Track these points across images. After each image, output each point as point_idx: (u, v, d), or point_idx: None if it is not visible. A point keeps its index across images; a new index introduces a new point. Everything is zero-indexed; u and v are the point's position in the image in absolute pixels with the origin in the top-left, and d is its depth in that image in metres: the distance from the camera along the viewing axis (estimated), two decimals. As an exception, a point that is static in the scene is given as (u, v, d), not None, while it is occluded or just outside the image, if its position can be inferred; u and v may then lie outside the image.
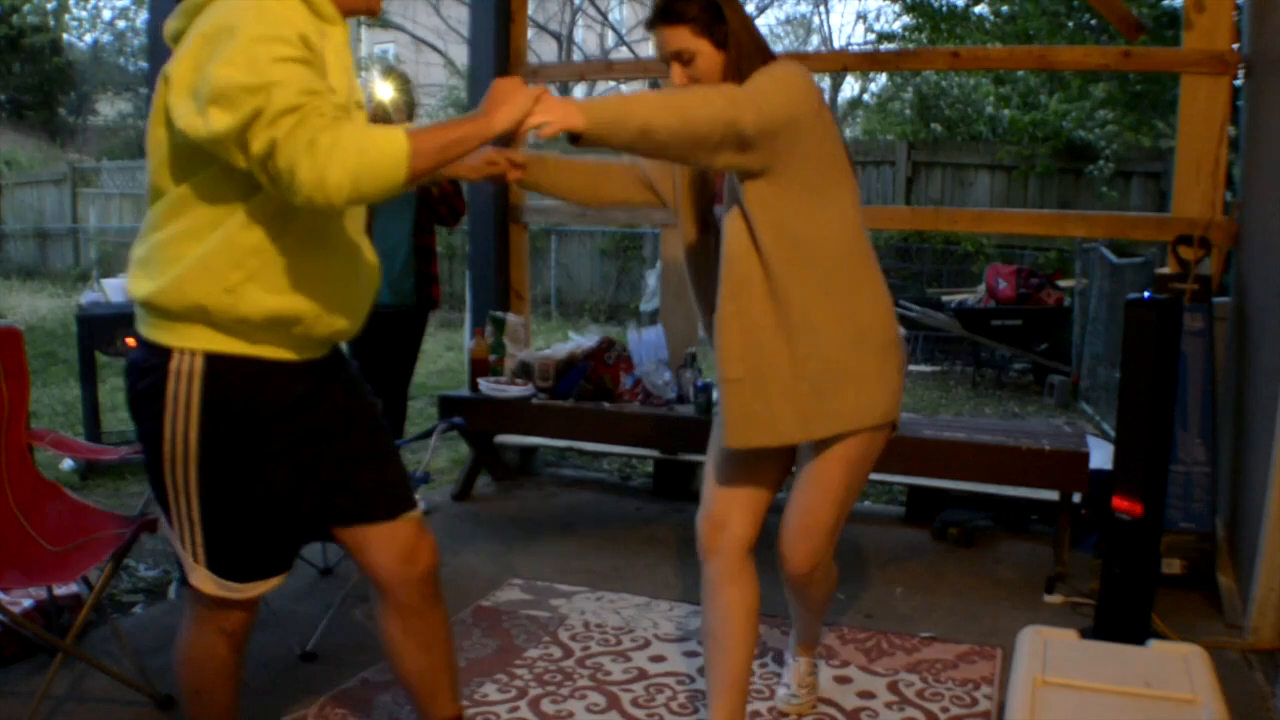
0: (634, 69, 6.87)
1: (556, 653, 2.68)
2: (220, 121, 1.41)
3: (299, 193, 1.39)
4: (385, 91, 3.65)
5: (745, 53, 1.85)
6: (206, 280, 1.54)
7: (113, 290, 4.86)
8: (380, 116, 3.62)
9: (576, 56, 17.61)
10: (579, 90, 17.66)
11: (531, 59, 5.29)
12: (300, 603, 2.98)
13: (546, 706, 2.38)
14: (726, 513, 2.03)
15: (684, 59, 1.86)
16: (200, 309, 1.55)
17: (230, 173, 1.50)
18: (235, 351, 1.59)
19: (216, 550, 1.66)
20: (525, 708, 2.37)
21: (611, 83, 18.43)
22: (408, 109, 3.70)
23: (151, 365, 1.59)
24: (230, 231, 1.54)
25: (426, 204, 3.77)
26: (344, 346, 1.88)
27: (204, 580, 1.68)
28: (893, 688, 2.48)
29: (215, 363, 1.58)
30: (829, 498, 1.95)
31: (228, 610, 1.73)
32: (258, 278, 1.56)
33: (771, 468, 2.04)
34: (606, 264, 10.99)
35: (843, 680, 2.52)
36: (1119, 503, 2.58)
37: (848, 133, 17.72)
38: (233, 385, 1.59)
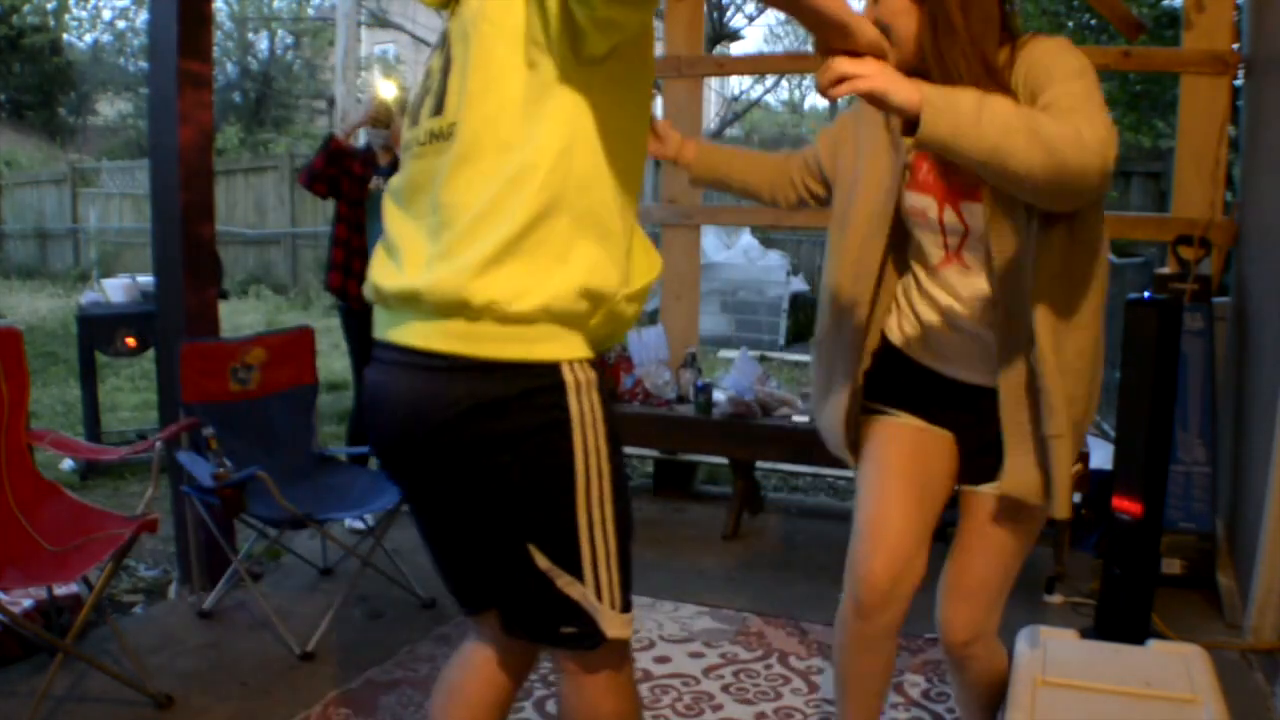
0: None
1: (557, 653, 2.68)
2: None
3: None
4: (388, 90, 3.65)
5: (960, 26, 1.47)
6: (610, 269, 1.30)
7: (113, 290, 4.86)
8: (383, 115, 3.62)
9: (576, 56, 17.58)
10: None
11: (531, 59, 5.27)
12: (300, 603, 2.98)
13: (551, 707, 2.37)
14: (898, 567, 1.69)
15: None
16: (596, 306, 1.30)
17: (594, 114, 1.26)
18: (591, 352, 1.34)
19: (626, 583, 1.38)
20: (530, 709, 2.37)
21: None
22: (405, 110, 3.71)
23: (538, 389, 1.29)
24: (607, 197, 1.29)
25: None
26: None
27: (623, 625, 1.38)
28: (898, 689, 2.48)
29: (595, 366, 1.34)
30: (991, 559, 1.73)
31: (627, 654, 1.44)
32: (636, 250, 1.36)
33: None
34: (606, 264, 11.00)
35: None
36: (1119, 503, 2.57)
37: (847, 133, 17.67)
38: (604, 387, 1.36)
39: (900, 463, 1.72)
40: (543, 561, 1.34)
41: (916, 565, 1.70)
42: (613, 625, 1.36)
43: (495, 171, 1.26)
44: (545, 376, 1.29)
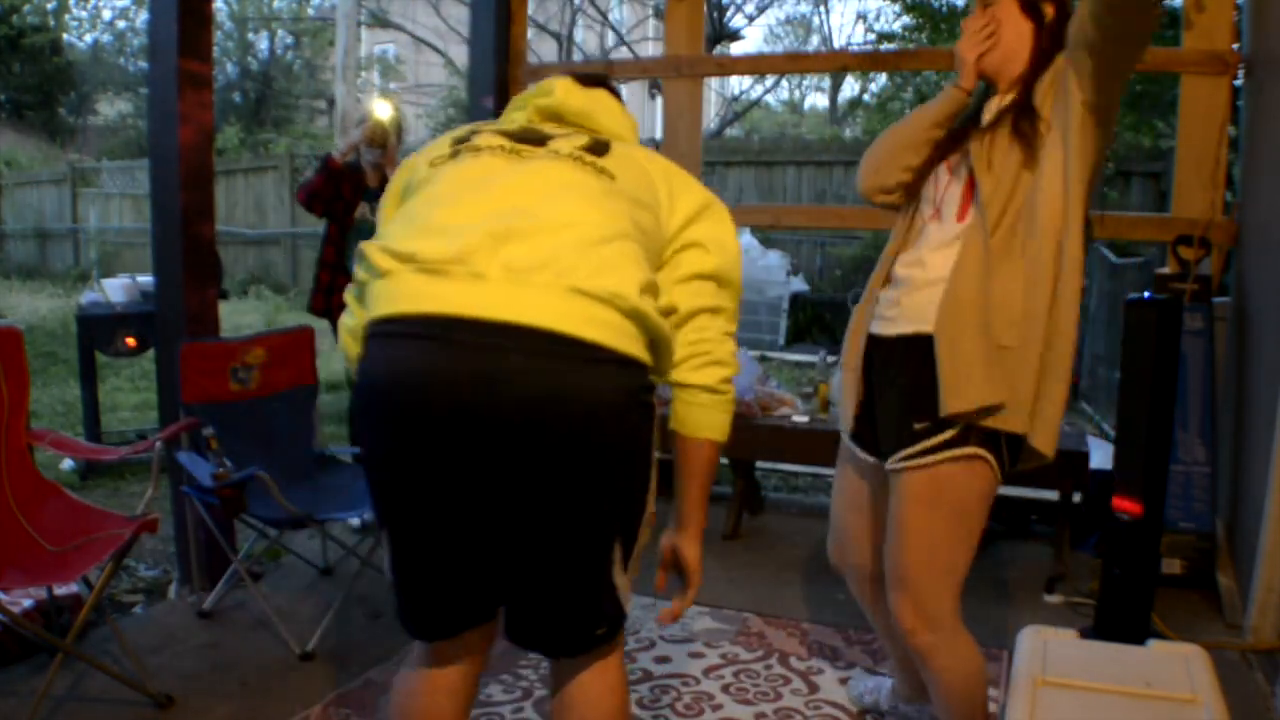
0: (634, 69, 6.86)
1: (557, 653, 2.68)
2: None
3: None
4: (384, 110, 3.64)
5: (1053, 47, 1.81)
6: None
7: (113, 290, 4.87)
8: (378, 136, 3.60)
9: (576, 56, 17.62)
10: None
11: (531, 59, 5.29)
12: (300, 603, 2.98)
13: (551, 707, 2.37)
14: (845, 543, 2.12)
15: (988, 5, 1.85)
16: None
17: None
18: None
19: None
20: (530, 708, 2.37)
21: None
22: (398, 130, 3.69)
23: (643, 386, 1.36)
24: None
25: None
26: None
27: (630, 600, 1.47)
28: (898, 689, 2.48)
29: None
30: (906, 543, 1.82)
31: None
32: None
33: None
34: (606, 264, 10.99)
35: (848, 682, 2.52)
36: (1119, 503, 2.57)
37: (847, 133, 17.74)
38: None
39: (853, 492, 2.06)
40: (618, 554, 1.39)
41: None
42: (629, 603, 1.44)
43: (637, 228, 1.41)
44: (645, 376, 1.36)
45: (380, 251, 1.34)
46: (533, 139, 1.48)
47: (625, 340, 1.29)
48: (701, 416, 1.50)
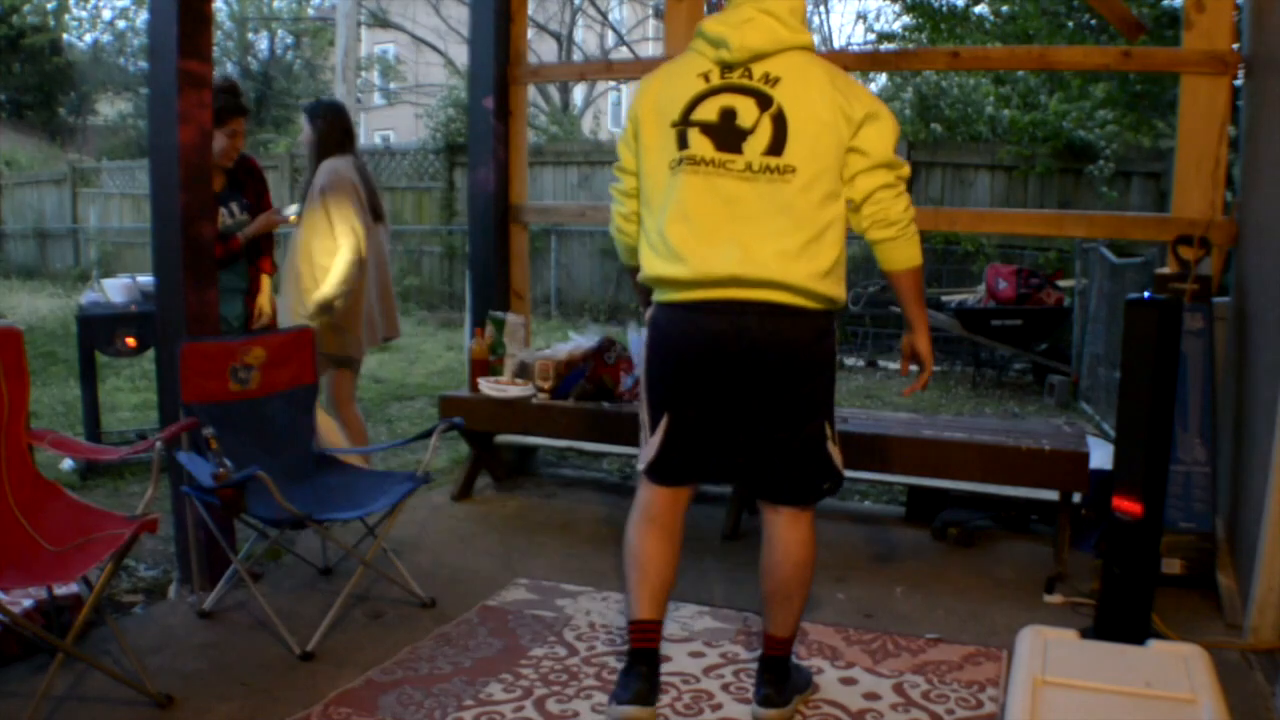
0: (634, 69, 6.85)
1: (562, 652, 2.67)
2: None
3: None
4: (294, 212, 3.91)
5: None
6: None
7: (113, 290, 4.86)
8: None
9: (576, 56, 17.61)
10: (579, 91, 17.66)
11: (531, 59, 5.29)
12: (300, 603, 2.98)
13: (552, 706, 2.38)
14: None
15: None
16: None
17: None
18: None
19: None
20: (531, 707, 2.37)
21: (611, 82, 18.43)
22: None
23: (823, 324, 2.19)
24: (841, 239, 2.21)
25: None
26: None
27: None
28: (898, 689, 2.48)
29: None
30: None
31: None
32: None
33: None
34: (606, 264, 10.98)
35: (848, 681, 2.52)
36: (1119, 503, 2.58)
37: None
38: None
39: None
40: (828, 430, 2.25)
41: None
42: (842, 468, 2.29)
43: (819, 213, 2.13)
44: (826, 318, 2.20)
45: (669, 284, 2.19)
46: (730, 139, 2.12)
47: (811, 302, 2.14)
48: (893, 253, 2.21)
